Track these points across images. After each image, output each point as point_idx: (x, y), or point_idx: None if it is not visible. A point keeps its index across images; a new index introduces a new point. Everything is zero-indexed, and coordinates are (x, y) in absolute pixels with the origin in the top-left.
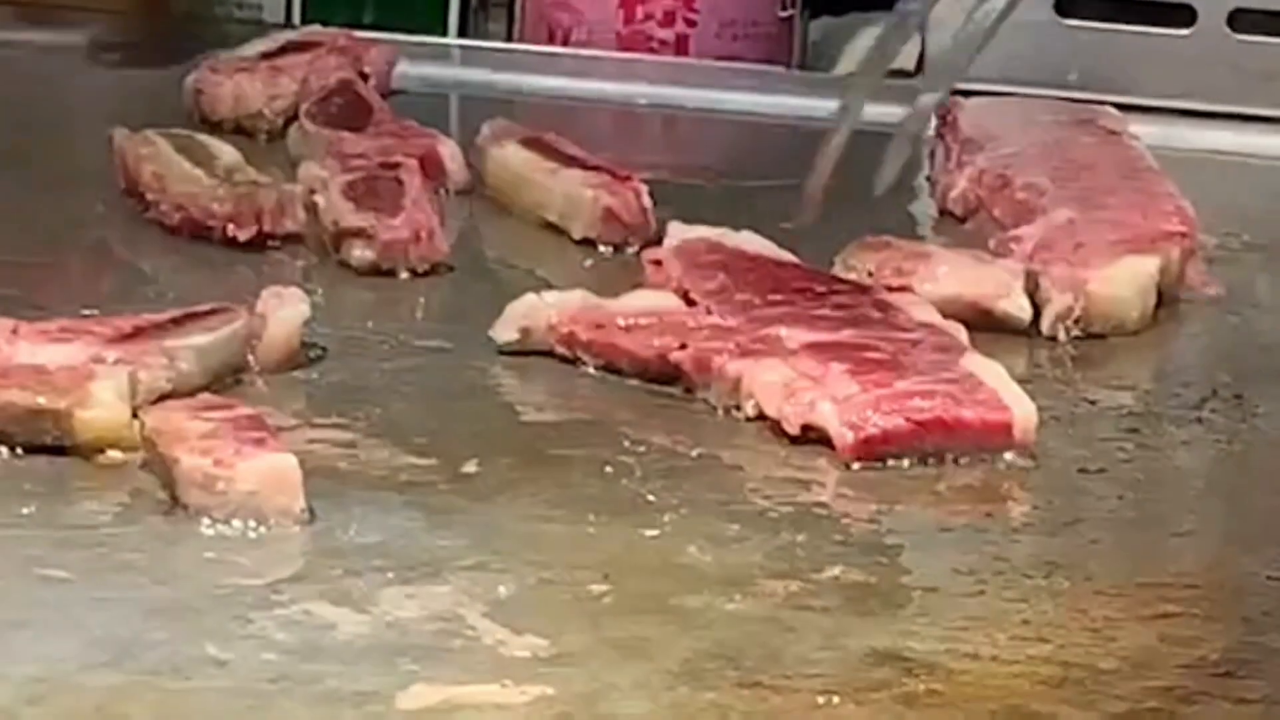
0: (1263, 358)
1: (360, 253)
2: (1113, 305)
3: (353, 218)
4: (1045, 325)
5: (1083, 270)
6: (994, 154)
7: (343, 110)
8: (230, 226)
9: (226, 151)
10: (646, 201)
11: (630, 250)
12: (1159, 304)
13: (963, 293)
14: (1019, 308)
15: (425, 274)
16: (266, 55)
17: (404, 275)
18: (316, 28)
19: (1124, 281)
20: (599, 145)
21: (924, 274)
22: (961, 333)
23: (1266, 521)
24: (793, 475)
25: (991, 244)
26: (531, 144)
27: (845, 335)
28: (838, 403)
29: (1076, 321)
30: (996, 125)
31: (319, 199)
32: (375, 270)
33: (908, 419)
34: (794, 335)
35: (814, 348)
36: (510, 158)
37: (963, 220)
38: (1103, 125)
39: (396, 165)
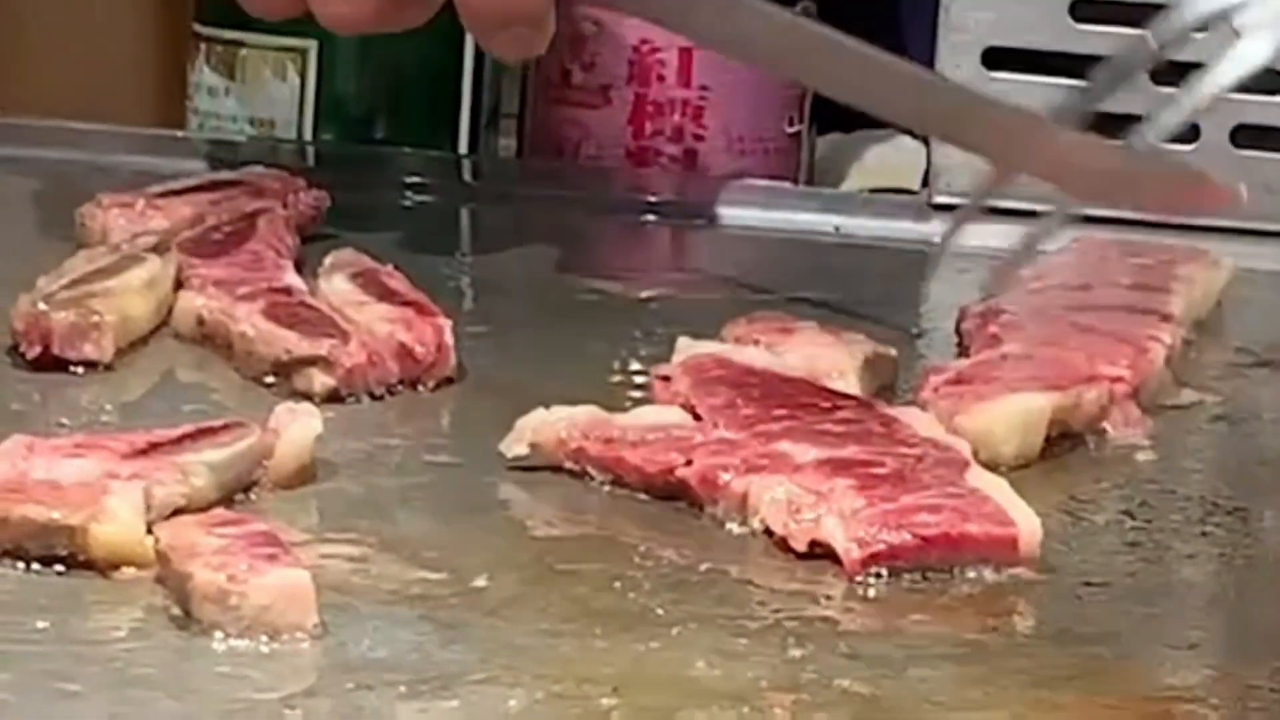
0: (1265, 472)
1: (321, 379)
2: (979, 440)
3: (307, 346)
4: None
5: (961, 404)
6: (1017, 290)
7: (222, 241)
8: (24, 344)
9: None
10: (448, 339)
11: (425, 387)
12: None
13: (799, 365)
14: (848, 386)
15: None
16: (173, 193)
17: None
18: (258, 169)
19: (994, 418)
20: (605, 259)
21: (774, 344)
22: (965, 448)
23: (1270, 635)
24: (800, 589)
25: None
26: (359, 277)
27: (850, 451)
28: (844, 519)
29: None
30: (1057, 264)
31: (245, 328)
32: (335, 397)
33: (914, 534)
34: (799, 451)
35: (820, 464)
36: (334, 288)
37: (965, 351)
38: (1168, 267)
39: (290, 289)
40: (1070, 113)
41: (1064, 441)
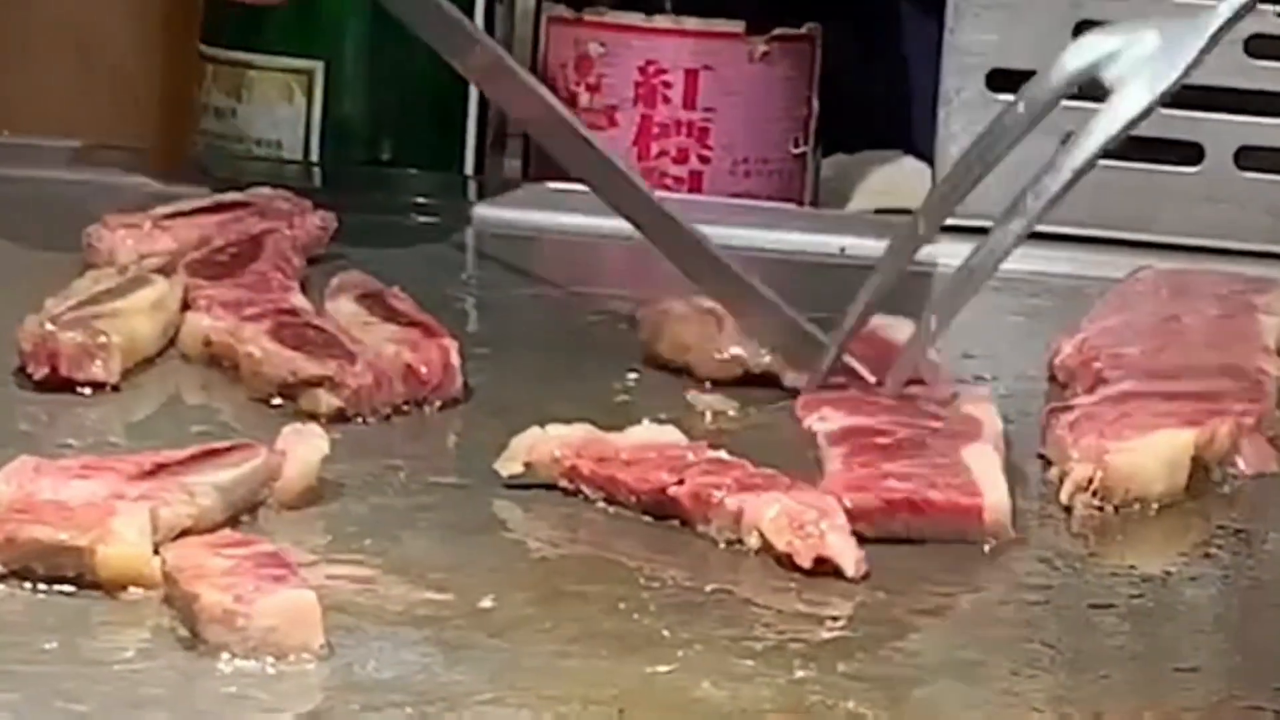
0: (1270, 493)
1: (327, 400)
2: (1132, 477)
3: (313, 367)
4: (1064, 494)
5: (1108, 441)
6: (1103, 323)
7: (228, 263)
8: (30, 365)
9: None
10: (454, 360)
11: (431, 408)
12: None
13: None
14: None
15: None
16: (180, 214)
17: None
18: (264, 190)
19: (1148, 453)
20: (613, 280)
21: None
22: (989, 424)
23: (1273, 657)
24: (804, 610)
25: (1043, 414)
26: (365, 298)
27: (874, 420)
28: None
29: (1095, 494)
30: (1134, 295)
31: (252, 349)
32: (341, 418)
33: (879, 497)
34: (837, 416)
35: (834, 433)
36: (341, 310)
37: (1063, 387)
38: (1244, 296)
39: (296, 310)
40: (955, 183)
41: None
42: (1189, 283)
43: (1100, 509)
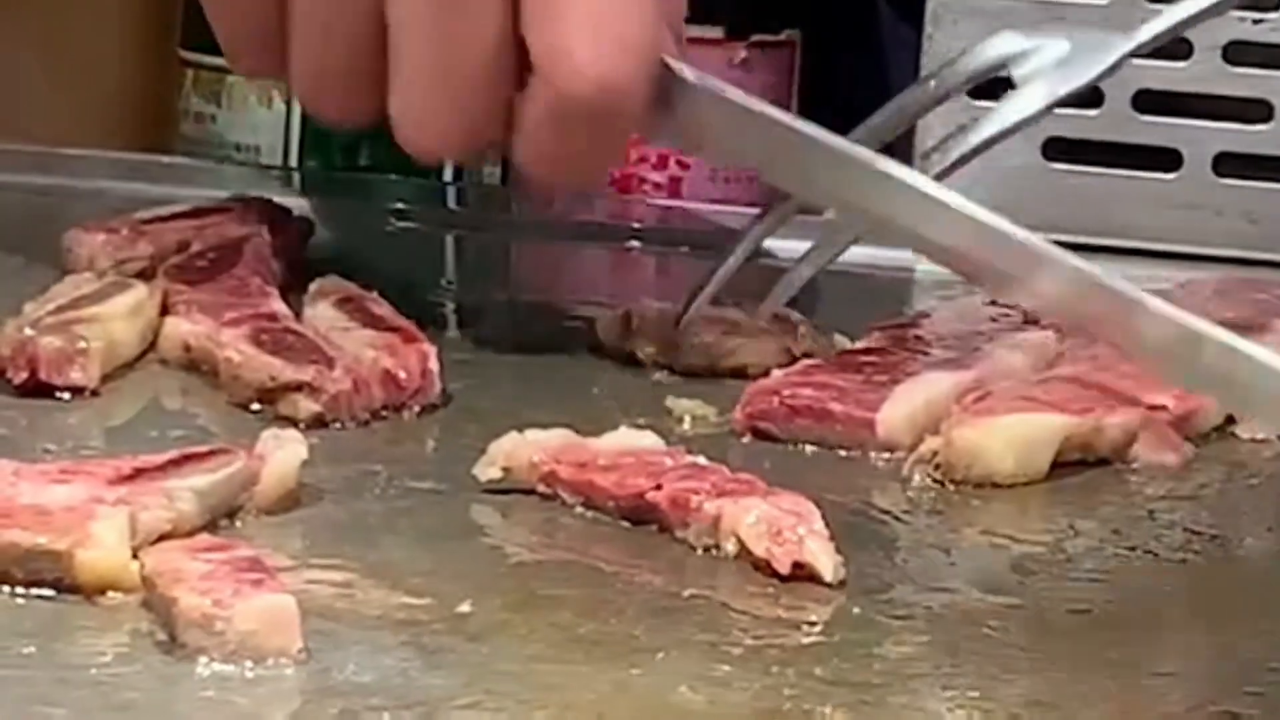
0: (1247, 498)
1: (306, 405)
2: (975, 455)
3: (292, 372)
4: (905, 466)
5: (965, 418)
6: None
7: (208, 268)
8: (9, 370)
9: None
10: (432, 365)
11: (410, 413)
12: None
13: None
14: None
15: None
16: (159, 219)
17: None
18: (244, 195)
19: (993, 433)
20: (591, 285)
21: None
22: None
23: (1248, 662)
24: (782, 615)
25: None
26: (344, 303)
27: (882, 340)
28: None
29: (936, 467)
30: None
31: (231, 354)
32: (320, 423)
33: (783, 403)
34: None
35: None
36: (319, 315)
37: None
38: (1272, 304)
39: (275, 315)
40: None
41: (1095, 463)
42: (1239, 287)
43: (940, 484)
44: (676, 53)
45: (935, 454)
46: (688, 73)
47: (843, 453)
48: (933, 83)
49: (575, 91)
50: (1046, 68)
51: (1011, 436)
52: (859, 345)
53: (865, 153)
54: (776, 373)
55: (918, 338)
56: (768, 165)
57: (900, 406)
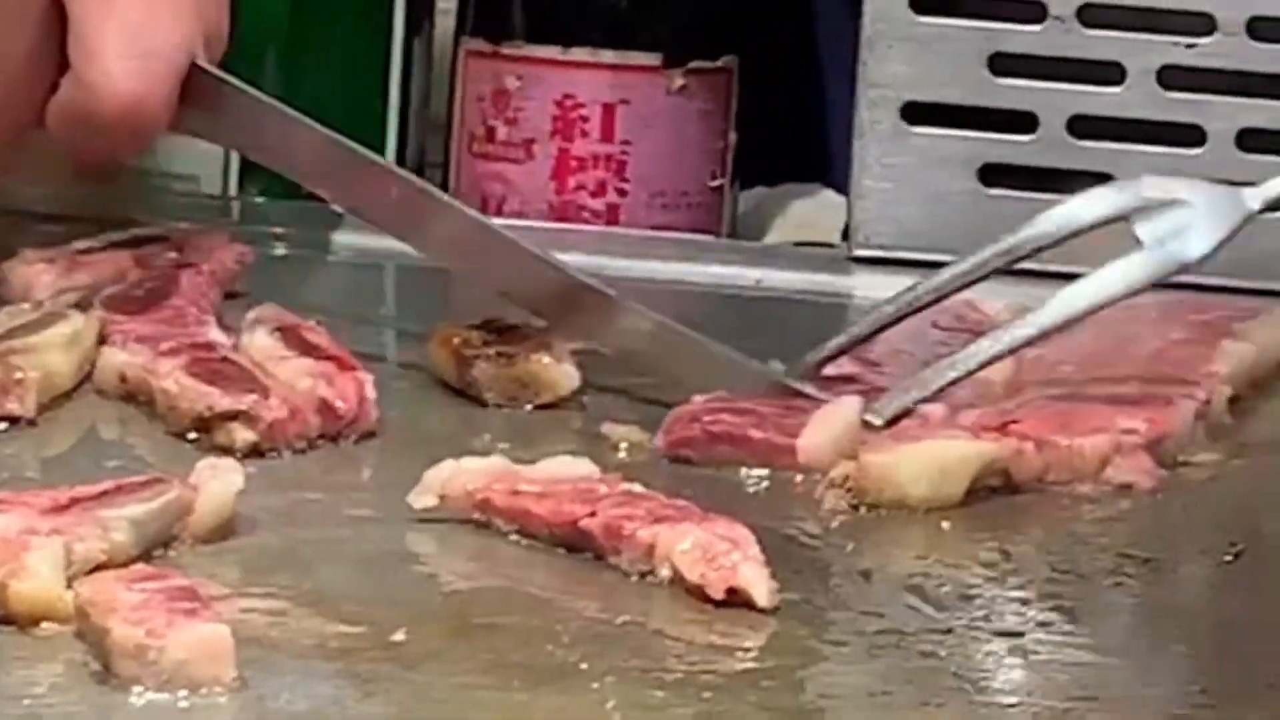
0: (1179, 522)
1: (242, 434)
2: (884, 480)
3: (228, 401)
4: (818, 489)
5: (879, 443)
6: (1064, 343)
7: (144, 297)
8: None
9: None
10: (369, 393)
11: (347, 441)
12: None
13: None
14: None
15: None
16: (97, 249)
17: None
18: (182, 225)
19: (904, 458)
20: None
21: None
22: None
23: (1175, 685)
24: (716, 641)
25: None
26: (281, 332)
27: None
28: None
29: (849, 490)
30: (1117, 319)
31: (168, 384)
32: (257, 452)
33: (704, 430)
34: None
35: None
36: (256, 344)
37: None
38: (1227, 323)
39: (212, 345)
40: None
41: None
42: (1179, 308)
43: (855, 507)
44: (211, 59)
45: (847, 478)
46: (225, 80)
47: (763, 476)
48: (1043, 229)
49: (102, 98)
50: (1168, 235)
51: (924, 462)
52: (830, 371)
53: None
54: (698, 399)
55: (877, 362)
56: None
57: (821, 431)
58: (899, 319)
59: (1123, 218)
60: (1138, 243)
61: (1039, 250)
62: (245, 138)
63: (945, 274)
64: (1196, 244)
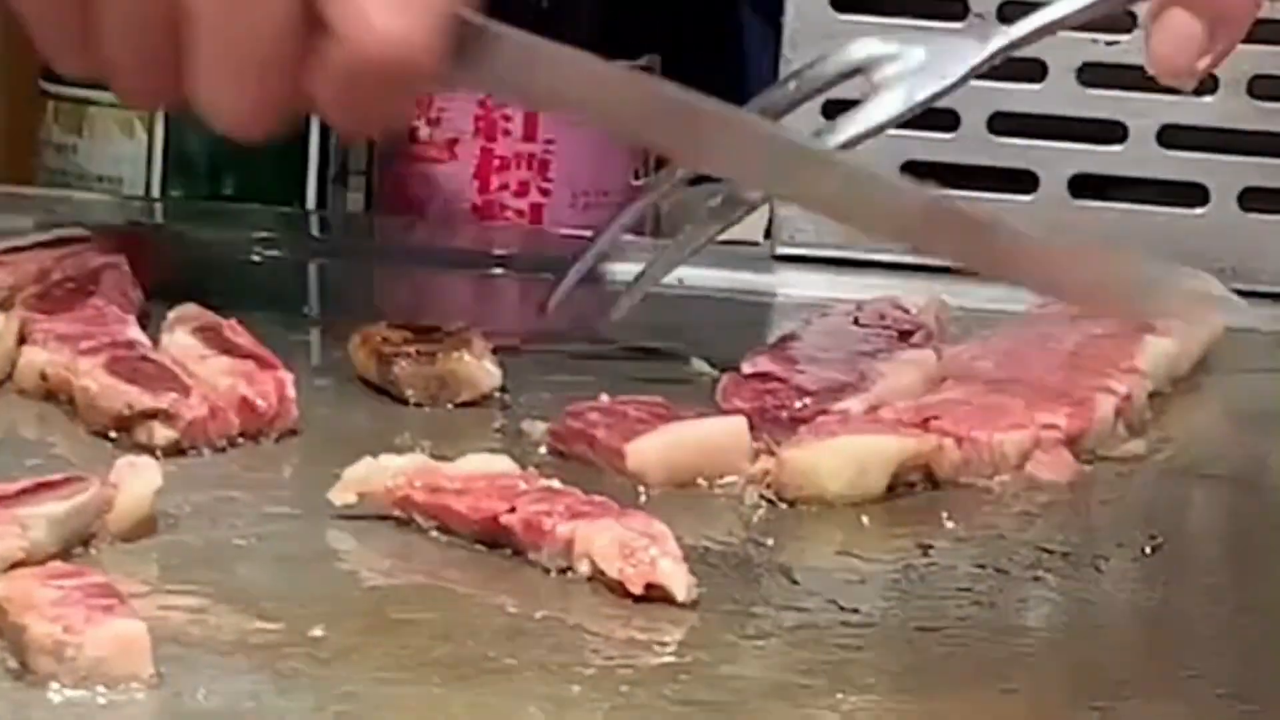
0: (1097, 515)
1: (162, 432)
2: (804, 474)
3: (148, 399)
4: (738, 485)
5: (799, 439)
6: (984, 342)
7: (65, 297)
8: None
9: None
10: (289, 392)
11: (268, 439)
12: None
13: None
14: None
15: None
16: (18, 249)
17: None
18: (105, 225)
19: (823, 453)
20: (453, 312)
21: None
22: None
23: (1096, 675)
24: (635, 636)
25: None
26: (202, 331)
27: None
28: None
29: (769, 486)
30: (1038, 316)
31: (88, 383)
32: (177, 450)
33: (568, 425)
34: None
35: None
36: (177, 343)
37: None
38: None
39: (132, 344)
40: None
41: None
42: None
43: (772, 502)
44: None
45: (767, 473)
46: (489, 25)
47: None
48: (792, 84)
49: (371, 52)
50: (905, 73)
51: (844, 457)
52: (746, 370)
53: (672, 89)
54: (604, 398)
55: (796, 359)
56: (579, 103)
57: (652, 441)
58: None
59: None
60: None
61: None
62: (517, 83)
63: None
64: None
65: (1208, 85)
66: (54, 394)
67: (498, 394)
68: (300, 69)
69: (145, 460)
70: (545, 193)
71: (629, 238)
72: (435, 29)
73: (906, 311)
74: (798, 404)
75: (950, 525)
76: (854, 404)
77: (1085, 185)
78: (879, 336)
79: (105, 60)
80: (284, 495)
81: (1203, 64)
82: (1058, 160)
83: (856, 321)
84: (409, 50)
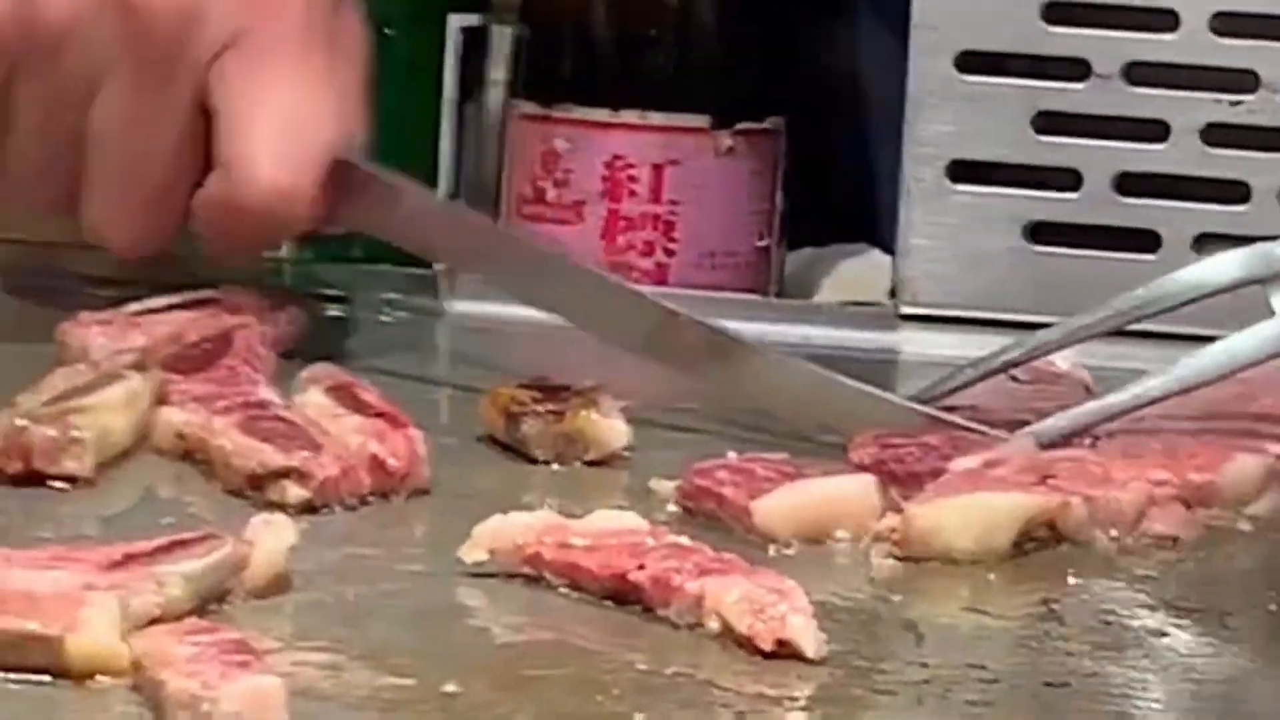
0: (1230, 573)
1: (294, 490)
2: (931, 533)
3: (281, 458)
4: (863, 542)
5: (923, 496)
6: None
7: (200, 358)
8: (3, 460)
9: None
10: (420, 450)
11: (399, 498)
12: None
13: None
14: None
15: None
16: (152, 310)
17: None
18: (237, 286)
19: (948, 512)
20: (580, 371)
21: None
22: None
23: None
24: (765, 692)
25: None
26: (333, 390)
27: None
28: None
29: (896, 544)
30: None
31: (222, 442)
32: (309, 508)
33: (693, 483)
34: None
35: None
36: (309, 402)
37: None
38: None
39: (265, 403)
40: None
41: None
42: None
43: (900, 559)
44: (356, 154)
45: (894, 530)
46: (365, 167)
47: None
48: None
49: (255, 198)
50: None
51: (970, 515)
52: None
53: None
54: (732, 454)
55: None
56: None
57: (779, 499)
58: (1003, 370)
59: (1256, 282)
60: (1271, 311)
61: (1162, 311)
62: (394, 227)
63: (1055, 332)
64: None
65: None
66: (190, 453)
67: (626, 452)
68: (185, 197)
69: (279, 518)
70: (670, 253)
71: (752, 297)
72: (316, 180)
73: (1057, 369)
74: (925, 462)
75: (1075, 581)
76: (966, 460)
77: (1210, 244)
78: (1036, 392)
79: (9, 163)
80: (415, 553)
81: None
82: (1182, 220)
83: (1013, 378)
84: (290, 200)
